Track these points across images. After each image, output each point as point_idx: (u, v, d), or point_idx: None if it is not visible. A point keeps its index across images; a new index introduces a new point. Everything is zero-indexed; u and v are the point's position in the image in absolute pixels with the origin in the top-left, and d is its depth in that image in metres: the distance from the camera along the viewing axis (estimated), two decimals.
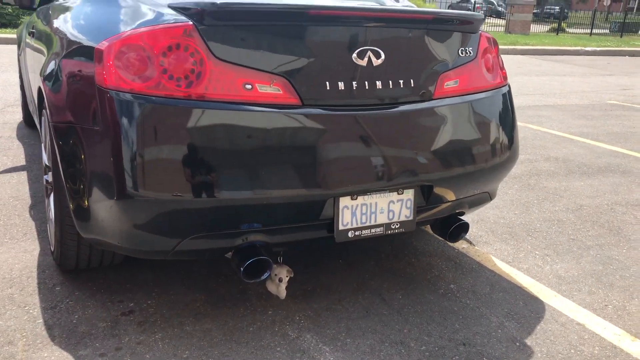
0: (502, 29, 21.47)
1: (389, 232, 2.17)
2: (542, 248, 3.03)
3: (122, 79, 1.81)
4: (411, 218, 2.20)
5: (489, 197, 2.55)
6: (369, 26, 2.05)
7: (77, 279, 2.43)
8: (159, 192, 1.80)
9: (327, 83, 1.97)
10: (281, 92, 1.91)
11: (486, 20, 23.71)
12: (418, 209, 2.24)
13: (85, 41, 2.05)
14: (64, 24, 2.42)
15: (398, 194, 2.15)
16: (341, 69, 2.00)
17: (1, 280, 2.39)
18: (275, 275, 2.22)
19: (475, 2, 27.77)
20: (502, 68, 2.52)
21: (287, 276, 2.23)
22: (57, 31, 2.46)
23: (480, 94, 2.35)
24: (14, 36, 11.31)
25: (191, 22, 1.84)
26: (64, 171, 2.07)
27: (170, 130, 1.79)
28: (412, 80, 2.14)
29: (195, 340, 2.06)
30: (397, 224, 2.18)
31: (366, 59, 2.03)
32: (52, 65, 2.28)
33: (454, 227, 2.39)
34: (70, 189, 2.04)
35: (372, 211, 2.12)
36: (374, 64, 2.05)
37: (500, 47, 15.58)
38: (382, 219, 2.15)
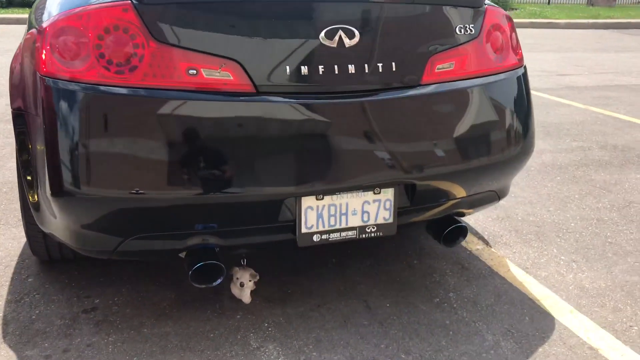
0: (584, 0, 19.98)
1: (364, 236, 1.93)
2: (569, 252, 2.67)
3: (56, 65, 1.65)
4: (391, 221, 1.94)
5: (496, 196, 2.23)
6: (339, 1, 1.79)
7: (51, 271, 2.36)
8: (94, 189, 1.65)
9: (287, 67, 1.73)
10: (232, 78, 1.69)
11: None
12: (401, 211, 1.97)
13: (35, 24, 1.91)
14: (36, 7, 2.31)
15: (374, 193, 1.90)
16: (305, 51, 1.75)
17: None
18: (237, 279, 2.04)
19: None
20: (516, 48, 2.18)
21: (250, 280, 2.04)
22: (30, 14, 2.35)
23: (483, 78, 2.03)
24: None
25: (129, 1, 1.66)
26: (18, 159, 1.97)
27: (107, 121, 1.63)
28: (393, 64, 1.86)
29: (148, 346, 1.92)
30: (373, 227, 1.93)
31: (336, 39, 1.78)
32: (16, 50, 2.17)
33: (449, 231, 2.11)
34: (24, 179, 1.94)
35: (342, 213, 1.87)
36: (346, 45, 1.79)
37: (579, 20, 14.50)
38: (355, 221, 1.90)
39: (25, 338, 1.94)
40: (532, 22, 13.94)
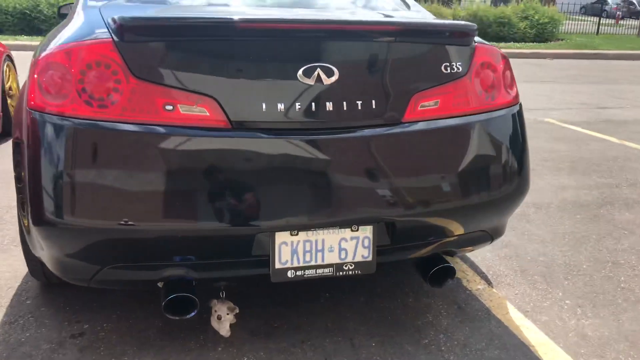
0: (635, 31, 19.38)
1: (341, 273, 1.90)
2: (576, 296, 2.55)
3: (42, 98, 1.73)
4: (369, 259, 1.91)
5: (488, 236, 2.17)
6: (318, 41, 1.81)
7: (50, 293, 2.42)
8: (70, 219, 1.70)
9: (263, 104, 1.75)
10: (208, 114, 1.73)
11: (621, 23, 21.61)
12: (381, 249, 1.94)
13: (37, 54, 2.01)
14: (47, 35, 2.43)
15: (352, 230, 1.88)
16: (282, 89, 1.77)
17: None
18: (215, 311, 2.04)
19: (611, 2, 25.43)
20: (510, 85, 2.14)
21: (228, 313, 2.04)
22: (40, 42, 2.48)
23: (471, 117, 1.99)
24: None
25: (111, 38, 1.72)
26: (16, 185, 2.05)
27: (85, 153, 1.68)
28: (373, 102, 1.85)
29: None
30: (351, 265, 1.91)
31: (314, 76, 1.79)
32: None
33: (435, 271, 2.06)
34: (18, 205, 2.02)
35: (317, 249, 1.86)
36: (325, 83, 1.80)
37: (629, 51, 14.09)
38: (332, 258, 1.88)
39: None
40: (578, 53, 13.64)
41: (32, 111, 1.74)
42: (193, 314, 1.84)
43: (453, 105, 1.97)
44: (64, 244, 1.75)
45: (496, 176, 2.02)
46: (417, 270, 2.15)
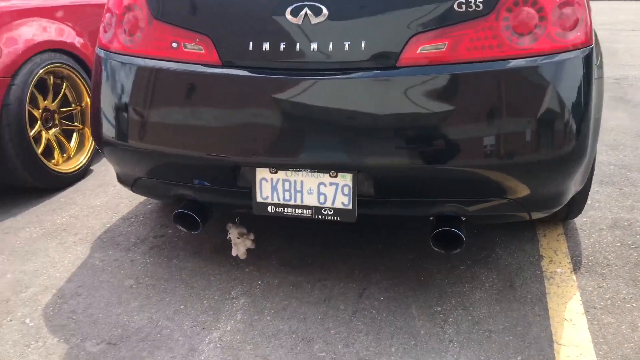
0: None
1: (320, 217, 1.89)
2: None
3: (99, 37, 2.13)
4: (350, 207, 1.85)
5: (518, 206, 1.85)
6: None
7: (161, 210, 2.93)
8: (103, 137, 2.08)
9: (251, 43, 1.83)
10: (203, 51, 1.89)
11: None
12: (364, 200, 1.86)
13: None
14: None
15: (331, 176, 1.84)
16: (269, 28, 1.81)
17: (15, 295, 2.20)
18: (229, 235, 2.23)
19: None
20: (568, 25, 1.73)
21: (238, 237, 2.21)
22: None
23: (492, 64, 1.71)
24: None
25: None
26: None
27: (116, 82, 2.03)
28: (363, 43, 1.75)
29: (170, 271, 2.31)
30: (330, 211, 1.88)
31: (301, 16, 1.78)
32: None
33: (438, 233, 1.87)
34: None
35: (297, 190, 1.88)
36: (312, 22, 1.78)
37: None
38: (311, 200, 1.88)
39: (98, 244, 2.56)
40: None
41: (98, 49, 2.15)
42: (197, 231, 2.09)
43: (468, 49, 1.72)
44: (110, 157, 2.16)
45: (523, 132, 1.71)
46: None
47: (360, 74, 1.76)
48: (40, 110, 3.10)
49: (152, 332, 1.94)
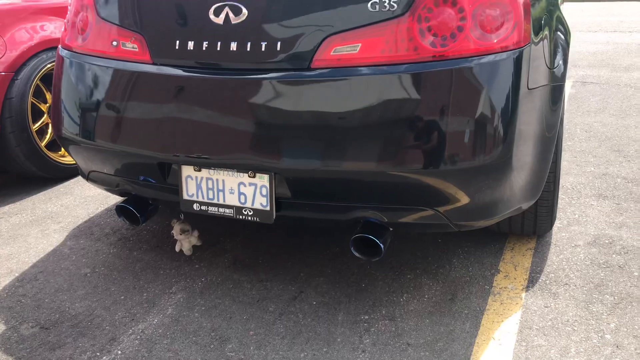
0: None
1: (241, 217, 1.89)
2: (626, 334, 1.81)
3: (61, 37, 2.23)
4: (267, 209, 1.84)
5: (440, 217, 1.77)
6: None
7: None
8: (57, 132, 2.18)
9: (177, 42, 1.86)
10: (137, 50, 1.94)
11: None
12: (282, 202, 1.84)
13: None
14: None
15: (249, 176, 1.84)
16: (193, 27, 1.84)
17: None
18: (172, 231, 2.27)
19: None
20: (491, 28, 1.64)
21: (180, 234, 2.24)
22: None
23: (404, 67, 1.65)
24: None
25: None
26: None
27: (70, 79, 2.13)
28: (279, 44, 1.74)
29: (132, 261, 2.39)
30: (250, 211, 1.87)
31: (223, 16, 1.79)
32: None
33: (359, 237, 1.82)
34: None
35: (219, 189, 1.89)
36: (232, 22, 1.78)
37: None
38: (232, 200, 1.89)
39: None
40: None
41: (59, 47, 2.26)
42: (138, 225, 2.15)
43: (382, 51, 1.67)
44: (67, 151, 2.26)
45: (434, 142, 1.64)
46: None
47: (275, 74, 1.75)
48: (47, 104, 3.29)
49: (84, 320, 2.02)
